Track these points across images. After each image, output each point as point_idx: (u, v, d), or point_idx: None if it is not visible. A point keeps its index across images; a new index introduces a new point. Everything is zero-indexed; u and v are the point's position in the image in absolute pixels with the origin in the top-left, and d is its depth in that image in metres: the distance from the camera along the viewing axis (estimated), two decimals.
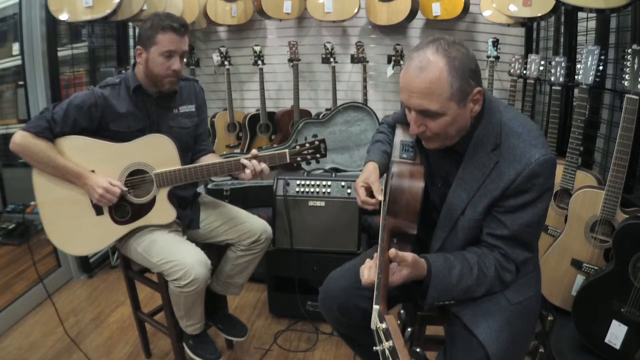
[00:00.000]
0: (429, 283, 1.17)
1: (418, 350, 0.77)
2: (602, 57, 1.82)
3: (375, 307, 0.91)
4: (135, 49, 1.67)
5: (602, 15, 2.11)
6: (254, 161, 1.65)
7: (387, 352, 0.78)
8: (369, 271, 1.11)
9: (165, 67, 1.63)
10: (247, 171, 1.65)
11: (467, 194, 1.22)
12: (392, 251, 1.08)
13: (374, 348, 0.83)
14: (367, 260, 1.15)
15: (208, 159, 1.80)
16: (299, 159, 1.71)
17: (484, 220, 1.23)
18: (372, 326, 0.89)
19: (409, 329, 0.77)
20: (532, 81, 2.32)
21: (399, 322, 0.78)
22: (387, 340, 0.79)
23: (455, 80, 1.08)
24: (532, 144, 1.15)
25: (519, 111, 1.34)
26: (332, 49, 3.11)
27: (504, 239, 1.21)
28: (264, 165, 1.66)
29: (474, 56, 1.13)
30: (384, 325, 0.83)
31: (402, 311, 0.78)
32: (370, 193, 1.36)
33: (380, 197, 1.33)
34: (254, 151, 1.66)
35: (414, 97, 1.11)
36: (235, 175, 1.72)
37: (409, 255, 1.12)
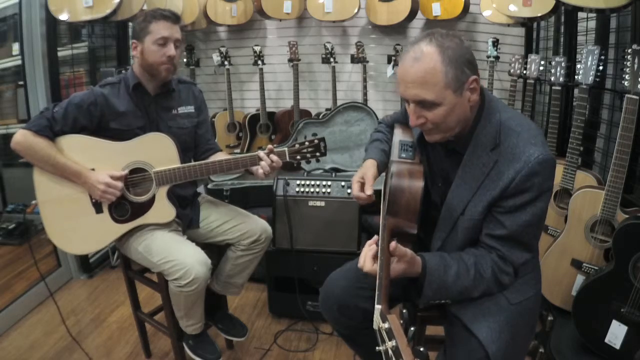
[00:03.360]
0: (424, 281, 1.17)
1: (422, 349, 0.76)
2: (602, 57, 1.82)
3: (377, 307, 0.90)
4: (131, 43, 1.69)
5: (602, 15, 2.12)
6: (272, 155, 1.65)
7: (390, 352, 0.77)
8: (370, 261, 1.12)
9: (160, 54, 1.63)
10: (263, 163, 1.64)
11: (467, 193, 1.22)
12: (393, 244, 1.09)
13: (377, 348, 0.82)
14: (367, 246, 1.16)
15: (217, 158, 1.80)
16: (298, 157, 1.71)
17: (484, 220, 1.23)
18: (375, 326, 0.88)
19: (412, 328, 0.76)
20: (532, 81, 2.32)
21: (401, 321, 0.77)
22: (390, 340, 0.79)
23: (449, 69, 1.09)
24: (531, 143, 1.15)
25: (518, 111, 1.35)
26: (332, 49, 3.11)
27: (502, 240, 1.20)
28: (275, 158, 1.66)
29: (469, 46, 1.14)
30: (386, 325, 0.82)
31: (404, 310, 0.77)
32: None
33: (369, 192, 1.34)
34: (270, 147, 1.66)
35: (410, 87, 1.13)
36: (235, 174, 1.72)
37: (408, 251, 1.13)
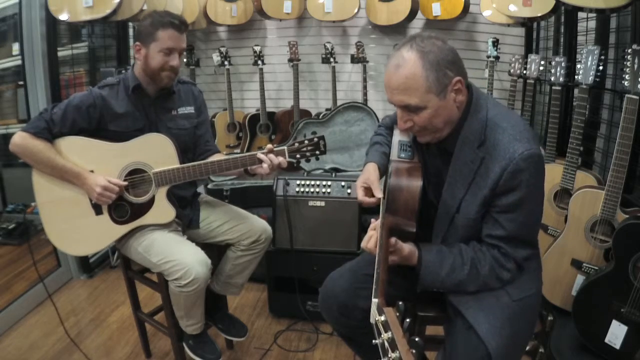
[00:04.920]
0: (419, 273, 1.24)
1: (417, 339, 0.76)
2: (602, 57, 1.82)
3: (374, 300, 0.91)
4: (134, 45, 1.67)
5: (602, 15, 2.11)
6: (271, 155, 1.64)
7: (386, 343, 0.77)
8: (367, 240, 1.21)
9: (164, 62, 1.63)
10: (265, 165, 1.63)
11: (459, 191, 1.23)
12: (393, 239, 1.18)
13: (373, 341, 0.83)
14: (373, 221, 1.24)
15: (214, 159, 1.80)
16: (298, 156, 1.70)
17: (483, 220, 1.24)
18: (372, 320, 0.89)
19: (408, 320, 0.77)
20: (532, 81, 2.32)
21: (397, 314, 0.78)
22: (385, 332, 0.79)
23: (430, 72, 1.11)
24: (516, 139, 1.15)
25: (508, 108, 1.37)
26: (332, 49, 3.11)
27: (504, 240, 1.22)
28: (281, 159, 1.64)
29: (451, 48, 1.16)
30: (382, 318, 0.83)
31: (400, 303, 0.78)
32: (370, 193, 1.37)
33: (379, 195, 1.35)
34: (269, 146, 1.65)
35: (394, 93, 1.16)
36: (235, 175, 1.71)
37: (405, 248, 1.23)
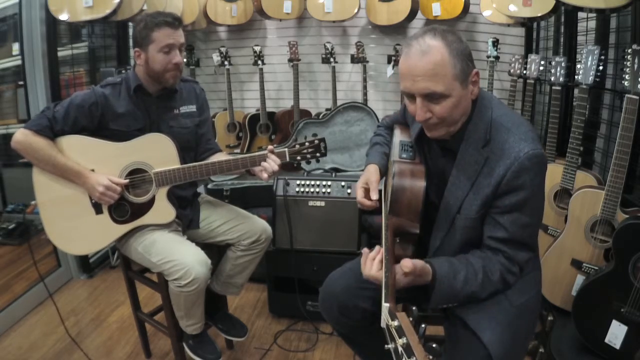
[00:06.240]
0: (434, 288, 1.16)
1: (434, 345, 0.75)
2: (602, 57, 1.82)
3: (385, 305, 0.90)
4: (133, 51, 1.68)
5: (602, 15, 2.12)
6: (269, 161, 1.65)
7: (400, 349, 0.76)
8: (370, 264, 1.14)
9: (166, 61, 1.63)
10: (265, 175, 1.65)
11: (462, 191, 1.23)
12: (408, 262, 1.07)
13: (386, 346, 0.82)
14: (366, 251, 1.18)
15: (216, 158, 1.80)
16: (298, 158, 1.71)
17: (484, 223, 1.23)
18: (382, 324, 0.87)
19: (423, 325, 0.77)
20: (532, 81, 2.32)
21: (411, 319, 0.77)
22: (400, 338, 0.78)
23: (456, 61, 1.11)
24: (521, 139, 1.15)
25: (511, 108, 1.36)
26: (332, 49, 3.11)
27: (506, 242, 1.21)
28: (273, 157, 1.66)
29: (466, 43, 1.17)
30: (396, 323, 0.81)
31: (414, 308, 0.78)
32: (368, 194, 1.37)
33: (374, 197, 1.34)
34: (270, 147, 1.66)
35: (419, 81, 1.12)
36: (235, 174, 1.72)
37: (418, 265, 1.10)
